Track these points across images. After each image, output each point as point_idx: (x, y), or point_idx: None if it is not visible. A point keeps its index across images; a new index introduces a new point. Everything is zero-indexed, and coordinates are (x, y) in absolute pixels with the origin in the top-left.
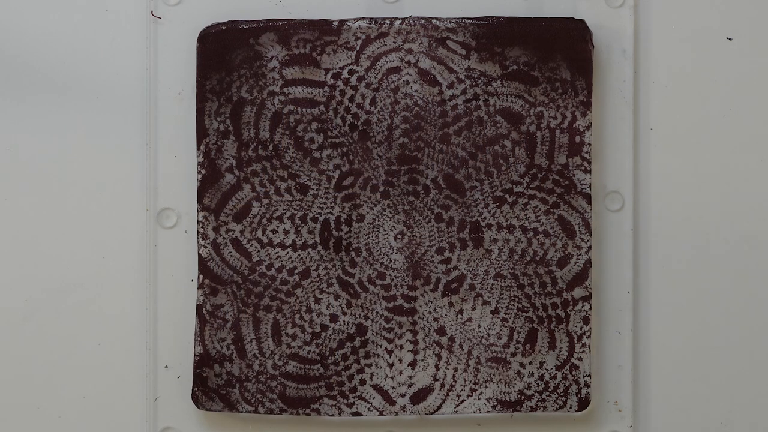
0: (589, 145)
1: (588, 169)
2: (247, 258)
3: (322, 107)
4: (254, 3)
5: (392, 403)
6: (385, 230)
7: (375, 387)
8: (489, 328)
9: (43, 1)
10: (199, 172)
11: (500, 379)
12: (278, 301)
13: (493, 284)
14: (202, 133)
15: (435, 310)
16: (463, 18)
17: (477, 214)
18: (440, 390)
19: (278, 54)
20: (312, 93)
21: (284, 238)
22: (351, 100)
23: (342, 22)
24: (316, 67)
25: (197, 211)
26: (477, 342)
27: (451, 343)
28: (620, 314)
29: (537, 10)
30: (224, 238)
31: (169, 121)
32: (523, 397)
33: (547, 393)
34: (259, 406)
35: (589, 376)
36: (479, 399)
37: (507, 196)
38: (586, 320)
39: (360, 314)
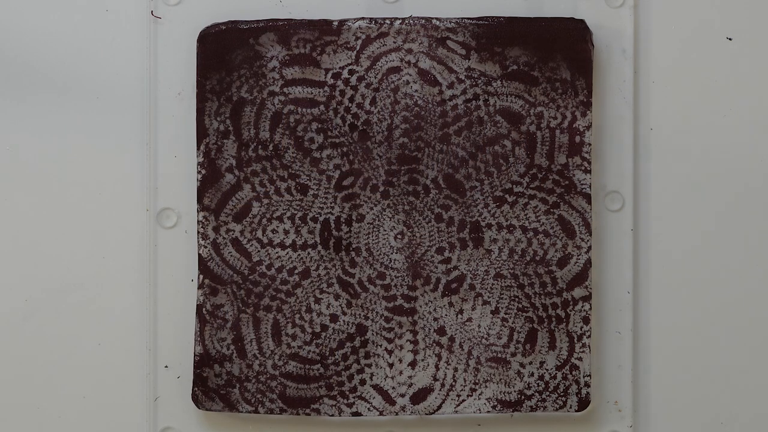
0: (589, 145)
1: (588, 169)
2: (247, 258)
3: (322, 107)
4: (254, 3)
5: (392, 403)
6: (385, 230)
7: (375, 387)
8: (489, 328)
9: (43, 1)
10: (199, 172)
11: (500, 379)
12: (278, 301)
13: (493, 284)
14: (202, 133)
15: (435, 310)
16: (463, 18)
17: (477, 214)
18: (440, 390)
19: (278, 54)
20: (312, 93)
21: (284, 238)
22: (351, 100)
23: (342, 22)
24: (316, 67)
25: (197, 211)
26: (477, 342)
27: (451, 343)
28: (620, 314)
29: (537, 10)
30: (224, 238)
31: (169, 121)
32: (523, 397)
33: (547, 393)
34: (259, 406)
35: (589, 376)
36: (479, 399)
37: (507, 196)
38: (586, 320)
39: (360, 314)
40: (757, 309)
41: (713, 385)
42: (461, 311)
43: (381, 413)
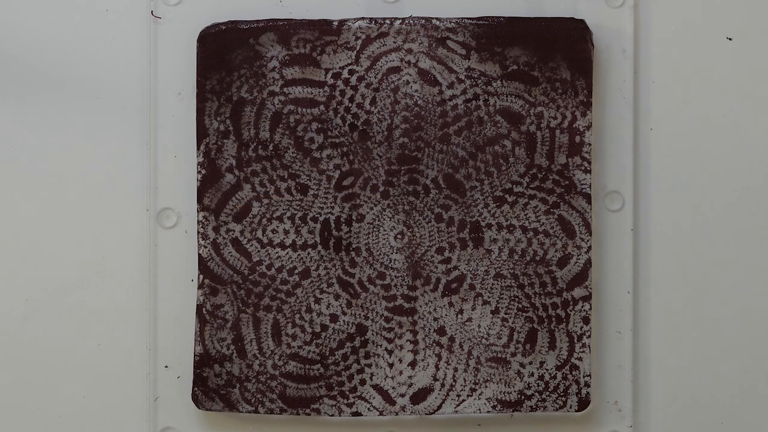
0: (589, 145)
1: (588, 169)
2: (247, 258)
3: (322, 107)
4: (254, 3)
5: (392, 403)
6: (385, 230)
7: (375, 387)
8: (489, 328)
9: (43, 1)
10: (199, 172)
11: (500, 379)
12: (278, 301)
13: (493, 284)
14: (202, 133)
15: (435, 310)
16: (463, 18)
17: (477, 214)
18: (440, 390)
19: (278, 54)
20: (312, 93)
21: (284, 238)
22: (351, 100)
23: (342, 22)
24: (316, 67)
25: (197, 211)
26: (477, 342)
27: (451, 343)
28: (620, 314)
29: (537, 10)
30: (224, 238)
31: (169, 121)
32: (523, 397)
33: (547, 393)
34: (259, 406)
35: (589, 376)
36: (479, 399)
37: (507, 196)
38: (586, 320)
39: (360, 314)
40: (757, 309)
41: (713, 385)
42: (461, 311)
43: (381, 413)
